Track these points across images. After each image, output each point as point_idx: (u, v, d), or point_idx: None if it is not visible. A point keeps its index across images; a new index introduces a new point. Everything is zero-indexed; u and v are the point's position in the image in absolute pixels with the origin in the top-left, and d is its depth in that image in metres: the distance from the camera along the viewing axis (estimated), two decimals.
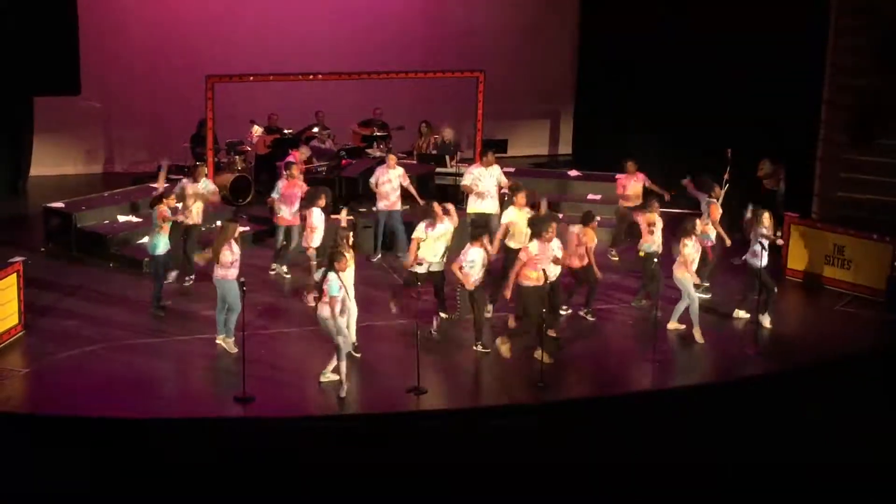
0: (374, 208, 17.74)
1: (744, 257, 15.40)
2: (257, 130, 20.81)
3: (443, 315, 15.04)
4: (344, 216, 15.43)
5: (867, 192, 18.09)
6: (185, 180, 16.53)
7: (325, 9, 22.81)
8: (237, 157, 20.14)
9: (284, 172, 16.97)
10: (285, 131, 21.04)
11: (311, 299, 13.72)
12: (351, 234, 14.10)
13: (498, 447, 12.23)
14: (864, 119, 18.01)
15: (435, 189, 19.74)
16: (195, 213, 16.27)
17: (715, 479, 11.81)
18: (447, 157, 20.44)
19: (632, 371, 14.44)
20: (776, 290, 15.39)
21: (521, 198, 15.64)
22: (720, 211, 16.24)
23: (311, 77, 19.71)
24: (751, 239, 15.30)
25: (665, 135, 20.73)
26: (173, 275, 16.18)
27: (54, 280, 16.43)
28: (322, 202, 15.77)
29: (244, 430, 12.74)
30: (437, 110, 21.83)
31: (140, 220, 18.17)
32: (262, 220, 18.22)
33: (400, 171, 17.56)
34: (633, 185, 17.64)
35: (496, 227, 15.93)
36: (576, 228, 15.05)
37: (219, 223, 16.28)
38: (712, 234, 16.07)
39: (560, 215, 16.64)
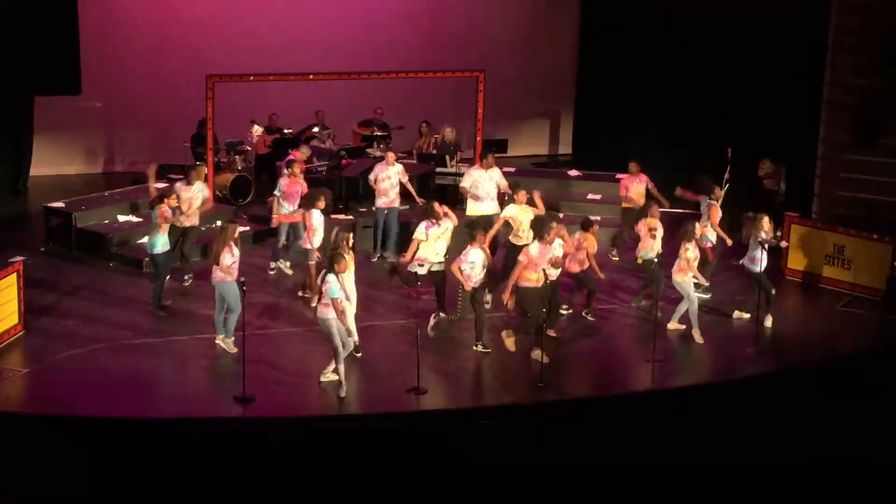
0: (373, 207, 17.74)
1: (741, 261, 15.40)
2: (257, 130, 20.81)
3: (442, 315, 15.05)
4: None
5: (867, 192, 18.09)
6: (178, 184, 16.52)
7: (325, 9, 22.79)
8: (237, 156, 20.14)
9: (286, 170, 16.97)
10: (285, 131, 21.04)
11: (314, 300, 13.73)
12: (350, 235, 14.08)
13: (498, 447, 12.23)
14: (865, 119, 18.00)
15: (435, 189, 19.73)
16: (192, 214, 16.27)
17: (715, 479, 11.81)
18: (447, 157, 20.44)
19: (632, 371, 14.45)
20: (774, 291, 15.38)
21: (521, 195, 15.76)
22: (720, 214, 16.24)
23: (311, 77, 19.71)
24: (749, 243, 15.30)
25: (665, 134, 20.74)
26: (188, 277, 16.24)
27: (54, 280, 16.43)
28: (321, 203, 15.77)
29: (244, 430, 12.74)
30: (438, 110, 21.83)
31: (140, 219, 18.16)
32: (262, 219, 18.21)
33: (399, 167, 17.58)
34: (635, 186, 17.61)
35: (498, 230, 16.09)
36: (577, 234, 15.06)
37: (219, 223, 16.31)
38: (712, 235, 16.07)
39: (560, 215, 16.63)
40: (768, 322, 15.31)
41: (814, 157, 18.72)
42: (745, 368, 14.41)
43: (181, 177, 17.13)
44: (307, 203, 15.82)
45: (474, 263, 14.12)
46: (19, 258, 15.64)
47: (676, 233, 15.31)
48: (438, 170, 20.29)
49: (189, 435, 12.38)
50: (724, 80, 20.74)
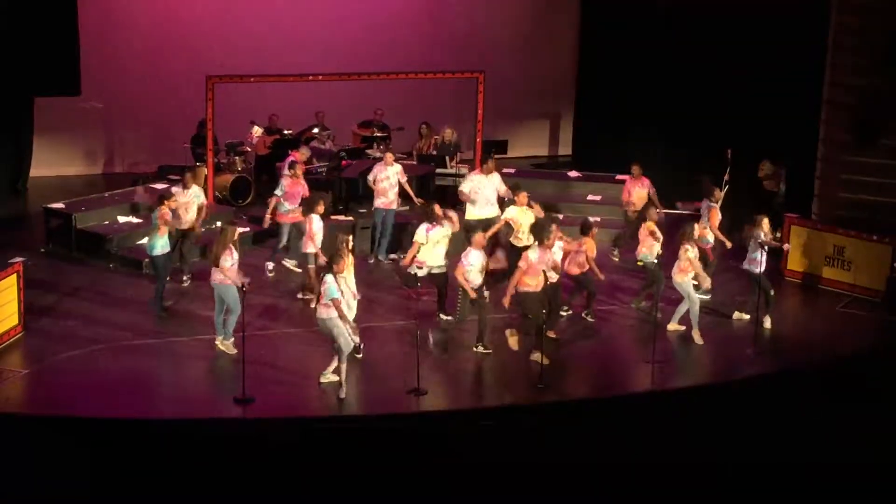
0: (372, 207, 17.73)
1: (744, 265, 15.39)
2: (257, 131, 20.80)
3: (443, 316, 15.04)
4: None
5: (867, 193, 18.08)
6: (173, 189, 16.51)
7: (325, 9, 22.78)
8: (237, 157, 20.12)
9: (289, 171, 16.98)
10: (285, 132, 21.03)
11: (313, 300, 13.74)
12: (350, 237, 14.08)
13: (498, 448, 12.23)
14: (865, 119, 17.99)
15: (435, 190, 19.73)
16: (189, 219, 16.27)
17: (715, 480, 11.82)
18: (447, 158, 20.43)
19: (632, 372, 14.45)
20: (773, 293, 15.39)
21: (522, 196, 15.80)
22: (720, 216, 16.24)
23: (311, 78, 19.72)
24: (749, 245, 15.30)
25: (665, 135, 20.73)
26: (186, 278, 16.25)
27: (54, 281, 16.43)
28: (321, 208, 15.76)
29: (244, 430, 12.74)
30: (438, 111, 21.82)
31: (140, 220, 18.16)
32: (262, 220, 18.18)
33: (398, 168, 17.58)
34: (637, 190, 17.57)
35: (499, 231, 16.09)
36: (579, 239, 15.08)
37: (218, 224, 16.30)
38: (711, 237, 16.07)
39: (560, 216, 16.63)
40: (767, 323, 15.31)
41: (814, 157, 18.70)
42: (745, 369, 14.41)
43: (180, 178, 17.09)
44: (307, 208, 15.81)
45: (473, 265, 14.11)
46: (19, 259, 15.64)
47: (676, 234, 15.30)
48: (438, 171, 20.28)
49: (189, 436, 12.39)
50: (724, 80, 20.74)
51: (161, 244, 15.18)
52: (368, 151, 20.80)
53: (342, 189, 19.13)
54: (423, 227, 14.91)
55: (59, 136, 21.92)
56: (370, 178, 17.53)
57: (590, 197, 20.04)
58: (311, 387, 13.40)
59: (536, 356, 13.96)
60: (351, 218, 18.28)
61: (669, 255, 15.39)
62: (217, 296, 14.08)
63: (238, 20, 22.24)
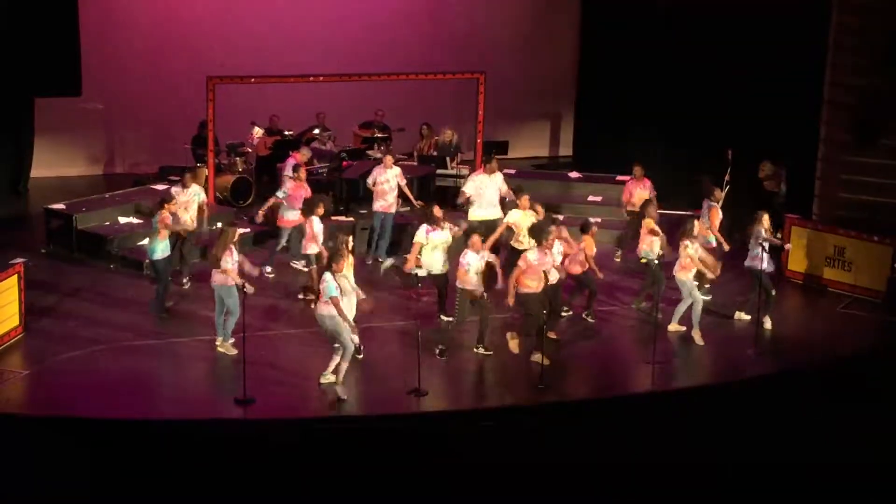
0: (371, 209, 17.72)
1: (746, 262, 15.39)
2: (258, 132, 20.81)
3: (444, 318, 15.05)
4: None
5: (868, 194, 18.08)
6: (173, 189, 16.51)
7: (325, 9, 22.78)
8: (238, 158, 20.13)
9: (293, 174, 16.98)
10: (286, 133, 21.03)
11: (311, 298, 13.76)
12: (350, 238, 14.09)
13: (498, 448, 12.24)
14: (865, 119, 17.99)
15: (435, 191, 19.72)
16: (190, 220, 16.28)
17: (715, 480, 11.82)
18: (448, 159, 20.43)
19: (632, 373, 14.46)
20: (774, 292, 15.39)
21: (524, 200, 15.76)
22: (720, 215, 16.24)
23: (311, 78, 19.71)
24: (750, 243, 15.30)
25: (665, 135, 20.72)
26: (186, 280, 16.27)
27: (55, 281, 16.44)
28: (321, 210, 15.76)
29: (244, 431, 12.75)
30: (438, 112, 21.82)
31: (140, 221, 18.18)
32: (263, 220, 18.19)
33: (397, 171, 17.57)
34: (638, 192, 17.55)
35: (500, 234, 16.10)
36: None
37: (219, 225, 16.31)
38: (711, 237, 16.06)
39: (560, 217, 16.64)
40: (767, 323, 15.30)
41: (814, 158, 18.71)
42: (746, 370, 14.41)
43: (180, 178, 17.09)
44: (307, 209, 15.80)
45: (470, 265, 14.10)
46: (20, 260, 15.63)
47: (676, 233, 15.30)
48: (439, 171, 20.28)
49: (189, 436, 12.40)
50: (724, 80, 20.74)
51: (162, 248, 15.18)
52: (369, 152, 20.80)
53: (343, 190, 19.13)
54: (424, 227, 14.92)
55: (60, 136, 21.92)
56: (369, 180, 17.53)
57: (590, 198, 20.04)
58: (312, 388, 13.41)
59: (537, 357, 13.97)
60: (352, 219, 18.28)
61: (671, 254, 15.39)
62: (217, 297, 14.09)
63: (238, 20, 22.24)
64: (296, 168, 17.11)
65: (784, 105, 19.73)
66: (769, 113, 19.90)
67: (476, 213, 16.95)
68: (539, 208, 15.81)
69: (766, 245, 15.01)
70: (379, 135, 21.18)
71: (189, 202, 16.36)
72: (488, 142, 20.43)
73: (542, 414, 13.24)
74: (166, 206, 15.30)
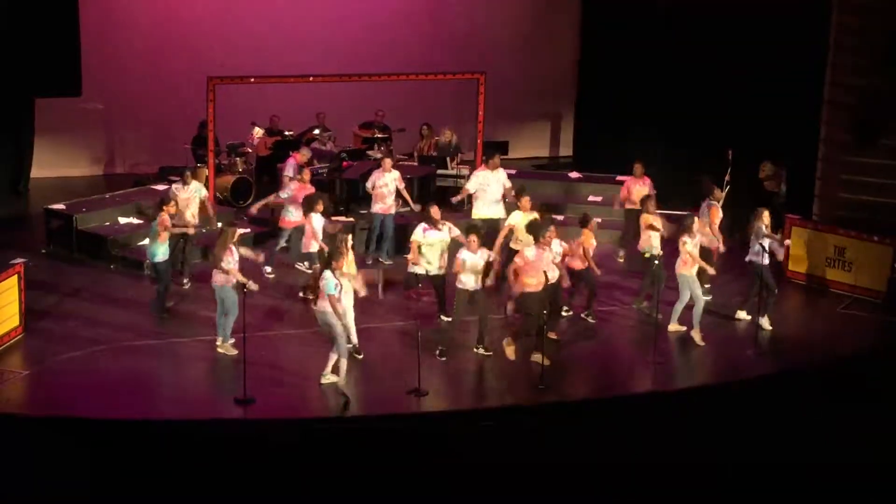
0: (371, 210, 17.71)
1: (747, 258, 15.39)
2: (258, 132, 20.82)
3: (443, 318, 15.05)
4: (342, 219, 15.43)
5: (868, 194, 18.08)
6: (174, 186, 16.50)
7: (325, 9, 22.79)
8: (238, 158, 20.14)
9: (297, 175, 16.99)
10: (286, 133, 21.04)
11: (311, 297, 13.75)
12: (349, 237, 14.09)
13: (499, 449, 12.23)
14: (865, 119, 17.99)
15: (436, 191, 19.71)
16: (192, 217, 16.27)
17: (715, 480, 11.81)
18: (448, 159, 20.43)
19: (632, 373, 14.45)
20: (776, 291, 15.40)
21: (525, 201, 15.73)
22: (720, 214, 16.23)
23: (311, 79, 19.71)
24: (751, 240, 15.30)
25: (665, 135, 20.71)
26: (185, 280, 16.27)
27: (55, 282, 16.45)
28: (320, 207, 15.77)
29: (244, 431, 12.75)
30: (438, 112, 21.82)
31: (141, 221, 18.18)
32: (262, 221, 18.21)
33: (396, 174, 17.56)
34: (637, 189, 17.54)
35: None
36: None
37: (219, 225, 16.30)
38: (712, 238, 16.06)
39: (560, 217, 16.62)
40: (767, 324, 15.29)
41: (814, 158, 18.71)
42: (746, 370, 14.40)
43: (178, 178, 17.08)
44: (307, 207, 15.81)
45: (465, 263, 14.08)
46: (20, 260, 15.63)
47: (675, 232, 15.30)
48: (439, 171, 20.27)
49: (189, 436, 12.40)
50: (724, 80, 20.72)
51: (162, 251, 15.18)
52: (369, 153, 20.79)
53: (343, 190, 19.13)
54: (421, 226, 14.93)
55: (60, 136, 21.93)
56: (368, 184, 17.53)
57: (591, 198, 20.04)
58: (312, 388, 13.41)
59: (537, 357, 13.96)
60: (352, 219, 18.26)
61: (670, 253, 15.40)
62: (219, 297, 14.09)
63: (238, 20, 22.25)
64: (300, 170, 17.14)
65: (784, 105, 19.72)
66: (769, 113, 19.90)
67: (479, 212, 16.94)
68: (536, 214, 15.73)
69: (766, 244, 15.00)
70: (379, 135, 21.18)
71: (190, 199, 16.37)
72: (488, 142, 20.43)
73: (542, 414, 13.24)
74: (165, 207, 15.29)
